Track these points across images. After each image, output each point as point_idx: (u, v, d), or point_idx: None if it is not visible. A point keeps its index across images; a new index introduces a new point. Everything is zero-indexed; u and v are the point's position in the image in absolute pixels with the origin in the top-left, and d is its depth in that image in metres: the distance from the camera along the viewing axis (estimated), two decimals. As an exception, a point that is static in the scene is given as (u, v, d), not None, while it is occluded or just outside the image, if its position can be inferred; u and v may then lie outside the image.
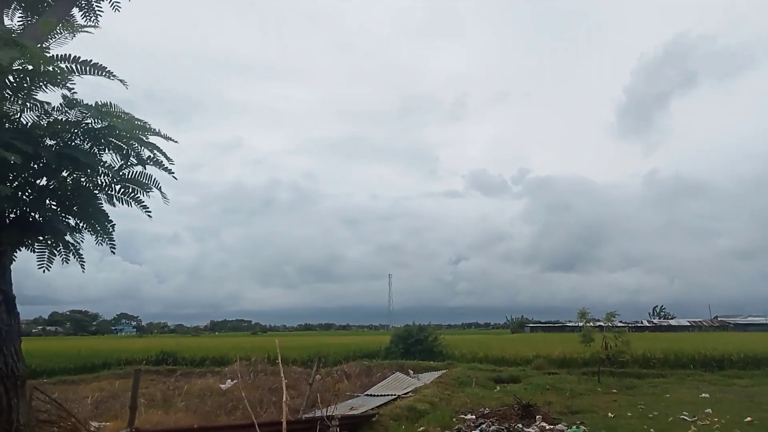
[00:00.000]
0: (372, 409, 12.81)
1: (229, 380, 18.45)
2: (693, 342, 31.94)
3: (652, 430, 10.96)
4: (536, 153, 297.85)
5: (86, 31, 6.42)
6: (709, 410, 13.08)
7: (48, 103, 5.08)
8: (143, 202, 5.85)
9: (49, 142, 5.09)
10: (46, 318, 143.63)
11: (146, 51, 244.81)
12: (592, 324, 21.17)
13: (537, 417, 11.87)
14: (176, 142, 5.74)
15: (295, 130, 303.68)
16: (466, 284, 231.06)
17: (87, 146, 5.28)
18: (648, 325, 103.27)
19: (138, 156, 5.63)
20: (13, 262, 5.33)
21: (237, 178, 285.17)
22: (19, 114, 5.01)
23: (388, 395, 15.25)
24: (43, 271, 5.36)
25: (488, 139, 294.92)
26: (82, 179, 5.38)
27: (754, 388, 17.94)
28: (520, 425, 11.05)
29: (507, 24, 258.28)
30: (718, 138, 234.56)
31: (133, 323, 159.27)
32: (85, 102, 5.03)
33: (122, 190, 5.72)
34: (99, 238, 5.66)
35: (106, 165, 5.48)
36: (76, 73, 4.93)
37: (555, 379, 20.36)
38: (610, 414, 13.01)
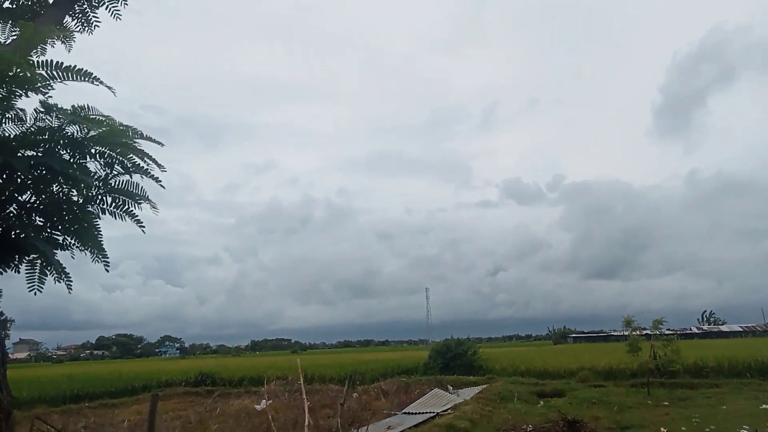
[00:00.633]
0: (409, 428, 12.40)
1: (264, 401, 18.29)
2: (748, 348, 30.33)
3: (709, 446, 10.21)
4: (571, 159, 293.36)
5: (67, 40, 6.33)
6: (771, 423, 12.22)
7: (23, 110, 4.87)
8: (136, 215, 5.61)
9: (27, 153, 4.85)
10: (93, 342, 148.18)
11: (176, 77, 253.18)
12: (638, 332, 20.21)
13: (583, 434, 11.28)
14: (162, 144, 5.50)
15: (327, 148, 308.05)
16: (505, 295, 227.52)
17: (68, 155, 5.04)
18: (697, 331, 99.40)
19: (123, 164, 5.38)
20: None
21: (272, 198, 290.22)
22: None
23: (426, 413, 14.80)
24: (34, 293, 5.12)
25: (521, 147, 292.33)
26: (72, 192, 5.16)
27: (819, 397, 16.74)
28: (565, 443, 10.47)
29: (533, 31, 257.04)
30: (760, 133, 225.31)
31: (177, 345, 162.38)
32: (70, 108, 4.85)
33: (113, 202, 5.47)
34: (92, 256, 5.44)
35: (94, 176, 5.23)
36: (58, 80, 4.75)
37: (601, 392, 19.48)
38: (662, 429, 12.24)
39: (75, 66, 4.75)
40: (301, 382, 5.95)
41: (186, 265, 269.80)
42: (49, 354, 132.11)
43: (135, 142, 5.35)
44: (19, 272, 5.21)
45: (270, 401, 19.44)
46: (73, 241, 5.33)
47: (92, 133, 5.08)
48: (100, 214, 5.46)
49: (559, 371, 26.32)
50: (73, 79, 4.80)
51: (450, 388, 20.69)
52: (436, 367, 29.20)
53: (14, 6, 6.78)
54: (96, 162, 5.32)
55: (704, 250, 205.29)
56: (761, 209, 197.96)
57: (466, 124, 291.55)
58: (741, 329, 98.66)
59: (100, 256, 5.44)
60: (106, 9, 6.97)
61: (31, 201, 5.08)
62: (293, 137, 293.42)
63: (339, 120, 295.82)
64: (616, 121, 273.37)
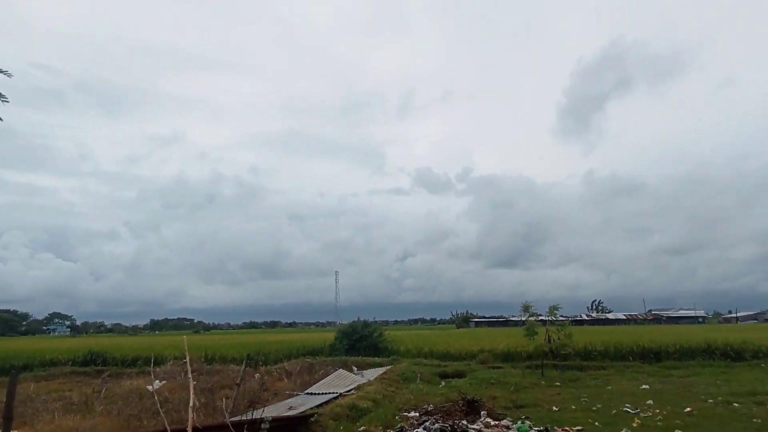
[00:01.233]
0: (311, 408, 12.07)
1: (157, 381, 17.23)
2: (630, 334, 32.96)
3: (597, 423, 10.75)
4: (480, 152, 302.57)
5: None
6: (650, 401, 13.13)
7: None
8: None
9: None
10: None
11: (75, 37, 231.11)
12: (535, 318, 21.15)
13: (482, 413, 11.49)
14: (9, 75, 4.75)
15: (238, 124, 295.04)
16: (412, 280, 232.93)
17: None
18: (587, 318, 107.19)
19: None
20: None
21: (178, 173, 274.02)
22: None
23: (329, 393, 14.56)
24: None
25: (434, 138, 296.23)
26: None
27: (689, 378, 18.36)
28: (464, 422, 10.60)
29: (451, 23, 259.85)
30: (651, 140, 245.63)
31: (67, 323, 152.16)
32: None
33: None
34: None
35: None
36: None
37: (499, 373, 20.23)
38: (554, 407, 12.81)
39: None
40: (187, 360, 5.39)
41: (80, 238, 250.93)
42: None
43: None
44: None
45: (165, 382, 18.41)
46: None
47: None
48: None
49: (461, 353, 27.15)
50: None
51: (355, 369, 20.60)
52: (342, 349, 29.13)
53: None
54: None
55: (596, 244, 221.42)
56: (647, 209, 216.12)
57: (382, 111, 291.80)
58: (625, 317, 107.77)
59: None
60: None
61: None
62: (202, 110, 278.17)
63: (251, 95, 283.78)
64: (524, 119, 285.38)
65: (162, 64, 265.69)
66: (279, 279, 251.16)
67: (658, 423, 10.56)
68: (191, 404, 4.66)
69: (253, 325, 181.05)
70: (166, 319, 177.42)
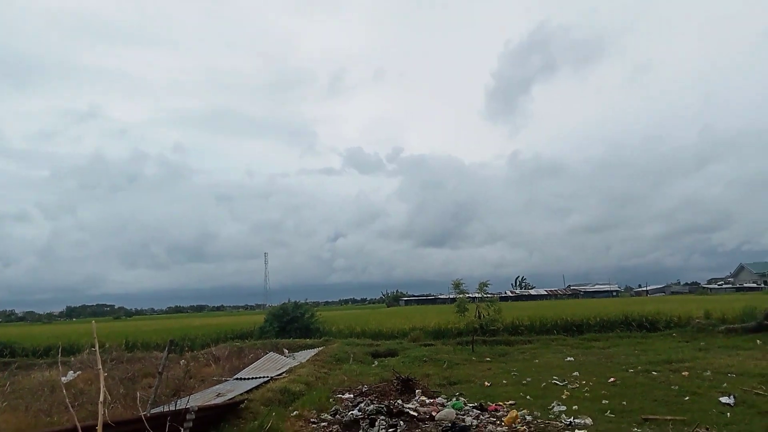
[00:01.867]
0: (241, 394, 11.56)
1: (71, 372, 16.04)
2: (553, 309, 34.36)
3: (528, 396, 10.95)
4: (410, 132, 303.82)
5: None
6: (576, 373, 13.59)
7: None
8: None
9: None
10: None
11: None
12: (465, 295, 21.48)
13: (416, 391, 11.44)
14: None
15: (160, 100, 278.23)
16: (343, 261, 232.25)
17: None
18: (511, 295, 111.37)
19: None
20: None
21: (96, 150, 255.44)
22: None
23: (260, 377, 14.05)
24: None
25: (365, 117, 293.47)
26: None
27: (610, 349, 19.29)
28: (399, 401, 10.48)
29: (383, 2, 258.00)
30: (573, 122, 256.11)
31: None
32: None
33: None
34: None
35: None
36: None
37: (431, 350, 20.42)
38: (486, 383, 12.99)
39: None
40: (96, 348, 4.78)
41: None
42: None
43: None
44: None
45: (80, 372, 17.18)
46: None
47: None
48: None
49: (393, 332, 27.30)
50: None
51: (286, 351, 20.14)
52: (273, 331, 28.51)
53: None
54: None
55: (520, 223, 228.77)
56: (567, 190, 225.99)
57: (312, 89, 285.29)
58: (546, 293, 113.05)
59: None
60: None
61: None
62: (122, 84, 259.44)
63: (175, 70, 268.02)
64: (454, 100, 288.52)
65: (78, 34, 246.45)
66: (206, 262, 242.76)
67: (586, 394, 10.89)
68: (101, 399, 4.09)
69: (178, 310, 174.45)
70: (84, 306, 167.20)
